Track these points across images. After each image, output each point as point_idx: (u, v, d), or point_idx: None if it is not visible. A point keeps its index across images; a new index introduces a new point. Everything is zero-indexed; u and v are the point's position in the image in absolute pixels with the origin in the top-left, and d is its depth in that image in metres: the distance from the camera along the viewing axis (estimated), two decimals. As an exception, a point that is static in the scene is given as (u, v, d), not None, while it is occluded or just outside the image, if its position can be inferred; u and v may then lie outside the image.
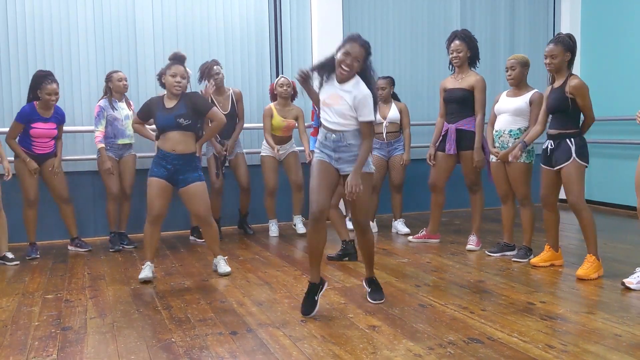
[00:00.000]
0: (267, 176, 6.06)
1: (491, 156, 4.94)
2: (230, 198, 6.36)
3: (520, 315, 3.43)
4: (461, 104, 5.19)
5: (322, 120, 3.61)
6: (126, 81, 5.58)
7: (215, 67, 5.72)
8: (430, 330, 3.21)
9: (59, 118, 5.35)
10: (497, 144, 4.86)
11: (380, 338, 3.10)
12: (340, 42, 3.53)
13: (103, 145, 5.42)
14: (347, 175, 3.48)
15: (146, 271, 4.35)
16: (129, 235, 5.76)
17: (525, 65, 4.79)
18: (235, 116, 5.91)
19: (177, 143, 4.30)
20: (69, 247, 5.57)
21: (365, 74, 3.52)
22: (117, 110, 5.51)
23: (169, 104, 4.36)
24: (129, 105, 5.66)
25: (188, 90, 4.55)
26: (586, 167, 4.27)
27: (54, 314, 3.64)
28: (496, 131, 4.88)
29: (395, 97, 6.15)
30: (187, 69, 5.54)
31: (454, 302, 3.71)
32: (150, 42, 6.29)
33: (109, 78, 5.54)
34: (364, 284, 3.86)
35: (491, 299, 3.78)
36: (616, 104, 7.12)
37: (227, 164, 5.96)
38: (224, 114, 5.75)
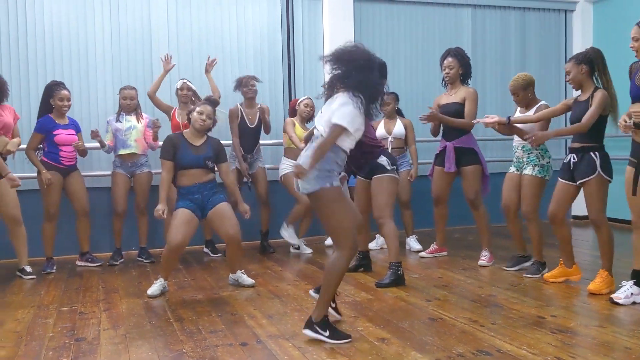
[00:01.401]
0: (292, 191, 5.97)
1: (510, 167, 4.96)
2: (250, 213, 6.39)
3: (530, 329, 3.42)
4: (454, 116, 5.23)
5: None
6: (132, 100, 5.66)
7: (251, 80, 5.93)
8: (439, 342, 3.22)
9: (76, 125, 5.51)
10: (514, 158, 4.91)
11: (389, 350, 3.12)
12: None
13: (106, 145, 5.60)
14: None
15: (155, 287, 4.40)
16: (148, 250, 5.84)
17: (527, 87, 4.80)
18: (260, 130, 6.05)
19: (198, 177, 4.44)
20: (78, 263, 5.60)
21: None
22: (121, 122, 5.62)
23: (195, 141, 4.49)
24: (139, 118, 5.72)
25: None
26: (610, 181, 4.19)
27: (68, 325, 3.70)
28: (513, 147, 4.94)
29: (399, 113, 6.19)
30: (191, 84, 5.77)
31: (463, 316, 3.71)
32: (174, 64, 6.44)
33: (119, 92, 5.72)
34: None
35: (501, 313, 3.78)
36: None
37: (247, 180, 6.00)
38: (251, 127, 5.92)
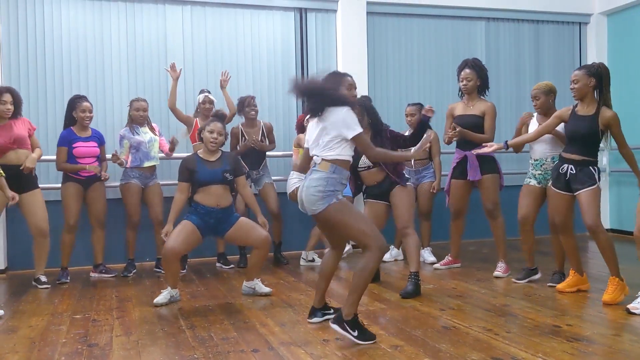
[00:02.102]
0: None
1: (528, 179, 4.92)
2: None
3: (545, 337, 3.37)
4: (473, 129, 5.21)
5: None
6: (145, 111, 5.68)
7: (253, 100, 6.01)
8: (453, 350, 3.18)
9: (99, 138, 5.55)
10: (538, 172, 4.85)
11: (402, 357, 3.09)
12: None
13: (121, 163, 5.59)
14: None
15: (162, 296, 4.41)
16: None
17: (549, 93, 4.81)
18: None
19: (221, 197, 4.46)
20: (92, 274, 5.60)
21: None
22: (139, 134, 5.63)
23: (211, 158, 4.53)
24: (152, 129, 5.76)
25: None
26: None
27: (81, 332, 3.71)
28: (536, 160, 4.88)
29: None
30: (213, 97, 5.77)
31: (478, 325, 3.67)
32: (179, 67, 6.49)
33: (130, 105, 5.71)
34: None
35: (516, 322, 3.73)
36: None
37: (256, 194, 6.03)
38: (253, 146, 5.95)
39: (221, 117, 4.69)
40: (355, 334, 3.31)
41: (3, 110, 4.88)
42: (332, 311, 3.77)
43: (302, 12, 6.94)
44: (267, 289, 4.64)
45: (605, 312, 3.94)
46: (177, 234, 4.29)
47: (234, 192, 4.75)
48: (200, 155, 4.55)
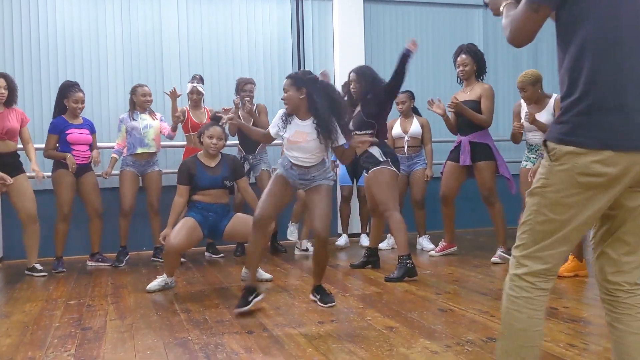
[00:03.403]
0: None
1: (524, 163, 4.93)
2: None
3: (541, 318, 3.35)
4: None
5: (287, 154, 3.71)
6: (150, 97, 5.64)
7: (247, 85, 5.85)
8: (449, 331, 3.16)
9: (91, 126, 5.49)
10: (533, 155, 4.87)
11: (397, 338, 3.07)
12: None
13: (114, 155, 5.54)
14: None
15: (155, 282, 4.38)
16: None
17: (535, 82, 4.79)
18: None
19: (219, 197, 4.48)
20: (88, 263, 5.56)
21: (311, 104, 3.56)
22: (136, 120, 5.56)
23: (210, 162, 4.51)
24: (153, 116, 5.70)
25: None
26: None
27: (75, 316, 3.68)
28: (531, 145, 4.90)
29: (416, 112, 6.14)
30: (201, 88, 5.67)
31: (474, 307, 3.65)
32: (176, 58, 6.48)
33: (133, 91, 5.64)
34: (312, 294, 3.86)
35: (513, 305, 3.70)
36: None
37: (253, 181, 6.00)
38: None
39: (218, 119, 4.62)
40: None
41: None
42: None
43: (298, 0, 6.90)
44: (268, 275, 4.63)
45: (603, 295, 3.92)
46: (179, 231, 4.25)
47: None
48: (201, 159, 4.52)
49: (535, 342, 1.84)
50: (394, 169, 4.56)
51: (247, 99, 5.75)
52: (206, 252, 6.00)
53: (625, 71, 1.66)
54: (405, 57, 4.43)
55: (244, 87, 5.83)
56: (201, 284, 4.60)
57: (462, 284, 4.39)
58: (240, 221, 4.51)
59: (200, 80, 5.81)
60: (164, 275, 4.42)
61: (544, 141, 1.78)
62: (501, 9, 1.94)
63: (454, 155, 5.37)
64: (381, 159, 4.54)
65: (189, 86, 5.79)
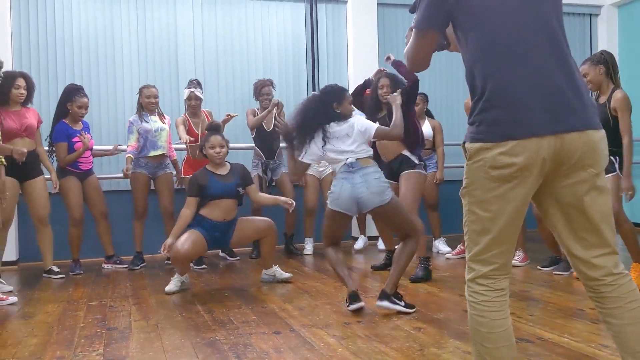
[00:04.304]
0: (308, 195, 6.03)
1: None
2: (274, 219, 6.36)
3: (569, 320, 3.33)
4: None
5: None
6: (155, 98, 5.55)
7: (265, 87, 5.85)
8: (477, 331, 3.14)
9: (87, 127, 5.45)
10: None
11: (427, 338, 3.05)
12: None
13: (130, 155, 5.46)
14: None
15: (172, 284, 4.36)
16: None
17: None
18: (279, 134, 5.93)
19: (229, 212, 4.44)
20: (104, 265, 5.53)
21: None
22: (148, 122, 5.51)
23: (221, 171, 4.48)
24: (162, 118, 5.63)
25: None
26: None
27: (98, 317, 3.67)
28: None
29: (429, 114, 6.12)
30: (199, 93, 5.59)
31: (499, 308, 3.62)
32: (191, 61, 6.48)
33: (140, 92, 5.59)
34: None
35: (538, 306, 3.69)
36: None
37: (273, 184, 6.01)
38: (268, 132, 5.89)
39: (216, 128, 4.61)
40: (403, 304, 3.56)
41: (17, 94, 4.82)
42: (402, 303, 3.64)
43: (312, 3, 6.91)
44: (287, 274, 4.62)
45: (628, 297, 3.89)
46: (185, 241, 4.22)
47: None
48: (211, 169, 4.49)
49: (505, 341, 1.83)
50: (425, 172, 4.59)
51: (266, 102, 5.77)
52: (221, 253, 5.97)
53: (515, 71, 1.75)
54: (411, 86, 4.38)
55: (261, 90, 5.84)
56: (220, 285, 4.59)
57: (484, 286, 4.36)
58: (245, 225, 4.50)
59: (198, 84, 5.69)
60: (177, 275, 4.40)
61: (462, 143, 1.85)
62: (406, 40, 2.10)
63: None
64: (417, 162, 4.50)
65: (186, 92, 5.65)
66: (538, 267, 4.96)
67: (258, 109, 5.96)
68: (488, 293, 1.85)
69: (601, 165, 1.79)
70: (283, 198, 4.64)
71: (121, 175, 5.68)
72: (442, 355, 2.76)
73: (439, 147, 6.01)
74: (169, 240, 4.28)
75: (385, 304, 3.52)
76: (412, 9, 2.06)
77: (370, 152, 3.75)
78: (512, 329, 1.87)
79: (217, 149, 4.44)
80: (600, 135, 1.77)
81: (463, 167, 1.89)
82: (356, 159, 3.62)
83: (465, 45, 1.86)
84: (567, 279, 4.49)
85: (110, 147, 5.70)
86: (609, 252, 1.82)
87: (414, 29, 1.94)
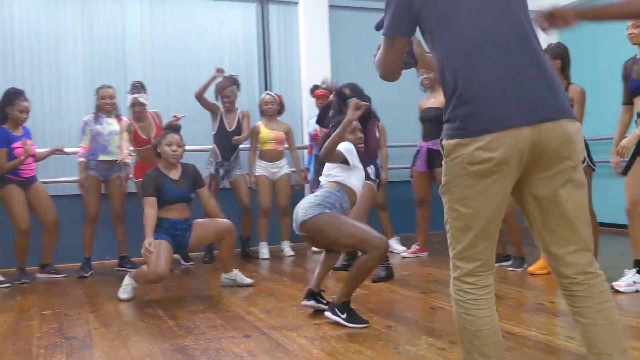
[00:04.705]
0: (261, 196, 5.98)
1: None
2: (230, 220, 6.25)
3: (533, 313, 3.42)
4: (436, 122, 5.23)
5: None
6: (111, 99, 5.36)
7: (228, 88, 5.78)
8: (447, 328, 3.18)
9: (28, 134, 5.17)
10: None
11: (399, 336, 3.06)
12: None
13: (82, 159, 5.25)
14: None
15: (126, 290, 4.19)
16: (131, 259, 5.55)
17: None
18: (239, 134, 5.85)
19: (183, 211, 4.33)
20: (38, 275, 5.21)
21: None
22: (101, 124, 5.32)
23: (173, 174, 4.33)
24: (119, 121, 5.45)
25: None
26: (594, 170, 4.29)
27: (54, 326, 3.50)
28: None
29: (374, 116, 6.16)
30: (143, 99, 5.45)
31: (464, 305, 3.68)
32: (139, 60, 6.31)
33: (96, 92, 5.40)
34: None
35: (500, 302, 3.76)
36: (601, 124, 7.26)
37: (226, 186, 5.93)
38: (229, 131, 5.80)
39: (176, 128, 4.47)
40: (344, 316, 3.29)
41: None
42: (325, 302, 3.63)
43: (263, 4, 6.86)
44: (248, 280, 4.52)
45: (583, 290, 4.03)
46: (158, 258, 4.03)
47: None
48: (164, 171, 4.32)
49: (493, 338, 1.85)
50: (375, 186, 4.59)
51: (228, 104, 5.75)
52: (175, 254, 5.79)
53: (485, 65, 1.77)
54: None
55: (222, 92, 5.79)
56: (179, 290, 4.48)
57: (444, 284, 4.41)
58: (201, 227, 4.38)
59: (142, 88, 5.50)
60: (127, 278, 4.24)
61: (440, 141, 1.88)
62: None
63: (415, 161, 5.53)
64: (372, 177, 4.48)
65: (129, 98, 5.46)
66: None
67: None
68: (475, 291, 1.85)
69: (578, 158, 1.81)
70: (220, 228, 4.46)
71: (68, 178, 5.48)
72: (417, 352, 2.77)
73: (382, 148, 6.01)
74: (148, 240, 4.05)
75: (328, 314, 3.35)
76: (378, 27, 2.05)
77: (341, 177, 3.52)
78: (498, 326, 1.88)
79: (174, 147, 4.30)
80: (575, 127, 1.79)
81: (408, 168, 1.90)
82: (327, 182, 3.56)
83: (435, 47, 1.88)
84: (521, 275, 4.61)
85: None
86: (582, 249, 1.84)
87: (382, 37, 1.95)
